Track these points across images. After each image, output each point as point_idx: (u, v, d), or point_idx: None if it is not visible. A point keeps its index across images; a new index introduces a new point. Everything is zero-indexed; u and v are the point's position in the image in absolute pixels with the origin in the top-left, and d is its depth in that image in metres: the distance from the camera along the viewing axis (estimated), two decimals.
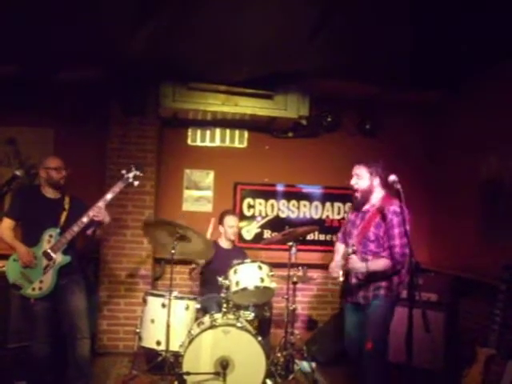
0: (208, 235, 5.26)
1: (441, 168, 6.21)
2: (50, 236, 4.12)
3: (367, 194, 4.07)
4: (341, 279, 4.06)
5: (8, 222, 4.16)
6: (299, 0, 3.93)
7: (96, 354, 5.54)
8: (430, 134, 6.44)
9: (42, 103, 5.85)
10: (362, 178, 4.05)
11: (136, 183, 4.34)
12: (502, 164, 4.96)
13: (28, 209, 4.15)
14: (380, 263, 3.90)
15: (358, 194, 4.10)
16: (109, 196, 4.17)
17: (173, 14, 4.19)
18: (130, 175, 4.29)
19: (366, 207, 4.12)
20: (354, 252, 3.87)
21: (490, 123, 5.20)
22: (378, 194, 4.07)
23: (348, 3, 3.92)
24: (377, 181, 4.04)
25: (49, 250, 4.07)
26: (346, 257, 3.97)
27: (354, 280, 4.04)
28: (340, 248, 4.33)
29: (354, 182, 4.10)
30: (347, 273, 4.03)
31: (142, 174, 4.37)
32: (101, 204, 4.11)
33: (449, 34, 4.33)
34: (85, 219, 4.07)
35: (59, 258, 4.10)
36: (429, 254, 6.18)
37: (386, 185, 3.92)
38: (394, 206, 3.85)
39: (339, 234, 4.51)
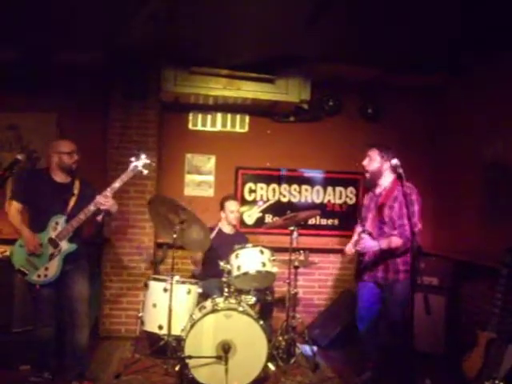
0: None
1: (443, 152, 6.19)
2: (56, 223, 4.07)
3: (376, 175, 4.32)
4: (352, 250, 4.37)
5: (15, 206, 4.10)
6: None
7: (99, 337, 5.59)
8: (433, 118, 6.41)
9: (43, 88, 5.79)
10: (374, 160, 4.30)
11: (145, 172, 4.29)
12: (505, 147, 4.95)
13: (35, 193, 4.10)
14: (392, 241, 4.06)
15: (367, 175, 4.37)
16: (117, 184, 4.12)
17: None
18: (140, 163, 4.24)
19: (378, 191, 4.36)
20: (367, 233, 4.15)
21: (492, 106, 5.18)
22: (388, 178, 4.30)
23: None
24: (387, 165, 4.25)
25: (55, 238, 4.05)
26: (358, 236, 4.25)
27: (372, 258, 4.26)
28: (358, 230, 4.54)
29: (365, 162, 4.38)
30: (363, 252, 4.27)
31: (151, 162, 4.35)
32: (108, 192, 4.06)
33: (451, 17, 4.29)
34: (92, 207, 4.02)
35: (65, 245, 4.08)
36: (431, 237, 6.17)
37: (395, 170, 4.02)
38: (405, 188, 3.92)
39: (359, 220, 4.70)
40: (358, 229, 4.43)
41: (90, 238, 5.06)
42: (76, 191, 4.21)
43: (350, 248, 4.45)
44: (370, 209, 4.38)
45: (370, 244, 4.11)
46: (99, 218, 4.26)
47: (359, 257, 4.35)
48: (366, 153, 4.39)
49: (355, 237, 4.50)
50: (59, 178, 4.20)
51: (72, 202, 4.16)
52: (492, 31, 4.53)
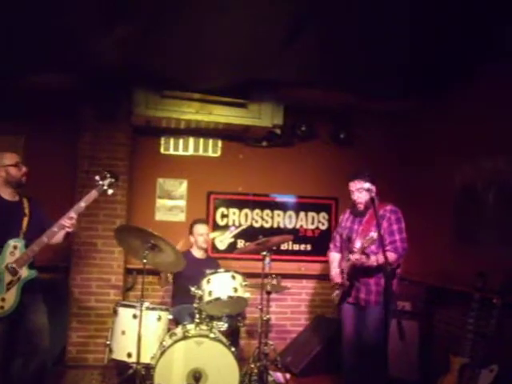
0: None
1: (415, 176, 6.22)
2: (15, 247, 3.73)
3: (368, 203, 4.29)
4: (346, 284, 4.31)
5: None
6: (274, 9, 3.91)
7: (65, 366, 5.43)
8: (404, 143, 6.46)
9: (11, 111, 5.68)
10: (362, 192, 4.31)
11: (110, 191, 4.11)
12: (475, 172, 4.99)
13: None
14: (387, 256, 3.95)
15: (361, 206, 4.39)
16: (82, 204, 3.92)
17: (146, 21, 4.14)
18: (105, 182, 4.07)
19: (366, 215, 4.40)
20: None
21: (461, 132, 5.25)
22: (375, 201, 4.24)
23: (323, 14, 3.92)
24: (374, 190, 4.20)
25: (14, 264, 3.70)
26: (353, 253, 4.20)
27: (355, 280, 4.27)
28: (335, 257, 4.59)
29: (356, 197, 4.38)
30: (349, 276, 4.27)
31: (116, 182, 4.19)
32: (73, 214, 3.84)
33: (422, 44, 4.36)
34: (55, 229, 3.78)
35: (25, 272, 3.75)
36: (403, 262, 6.16)
37: (379, 192, 4.24)
38: (391, 206, 4.28)
39: (331, 245, 4.77)
40: (337, 257, 4.49)
41: (53, 262, 4.89)
42: (26, 210, 3.92)
43: (338, 277, 4.40)
44: (354, 230, 4.38)
45: (370, 259, 4.12)
46: (54, 240, 3.95)
47: (347, 280, 4.30)
48: (350, 187, 4.39)
49: (335, 264, 4.50)
50: (8, 195, 3.89)
51: (25, 223, 3.86)
52: (461, 58, 4.62)
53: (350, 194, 4.45)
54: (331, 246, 4.76)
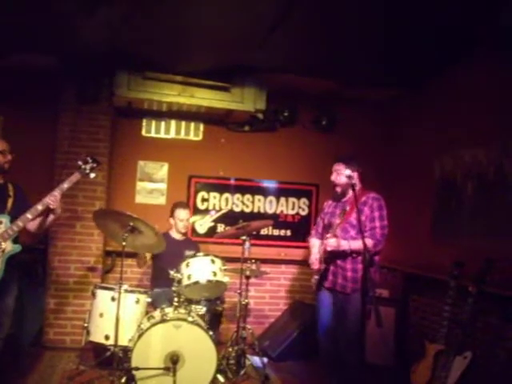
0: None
1: (395, 164, 6.27)
2: (0, 222, 3.86)
3: (347, 187, 4.31)
4: (322, 268, 4.29)
5: None
6: None
7: (42, 347, 5.40)
8: (385, 131, 6.48)
9: None
10: (341, 174, 4.28)
11: (92, 175, 4.20)
12: (454, 162, 5.04)
13: None
14: (365, 242, 3.97)
15: (338, 189, 4.40)
16: (65, 185, 4.00)
17: (130, 2, 4.09)
18: (87, 166, 4.15)
19: (344, 198, 4.41)
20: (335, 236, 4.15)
21: (441, 121, 5.30)
22: (356, 187, 4.23)
23: (307, 0, 3.90)
24: (355, 176, 4.26)
25: None
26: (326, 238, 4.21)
27: (331, 267, 4.27)
28: (316, 243, 4.55)
29: (333, 177, 4.39)
30: (326, 260, 4.25)
31: (98, 167, 4.27)
32: (57, 193, 3.94)
33: (404, 32, 4.37)
34: (39, 207, 3.86)
35: (9, 246, 3.85)
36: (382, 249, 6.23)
37: (362, 179, 4.33)
38: (374, 193, 4.28)
39: (313, 231, 4.76)
40: (317, 243, 4.47)
41: (32, 243, 4.86)
42: (11, 193, 4.02)
43: (315, 263, 4.38)
44: (336, 215, 4.35)
45: (341, 243, 4.11)
46: (32, 226, 4.06)
47: (325, 265, 4.30)
48: (332, 167, 4.39)
49: (315, 250, 4.47)
50: None
51: (10, 204, 3.97)
52: (441, 46, 4.63)
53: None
54: (313, 231, 4.76)
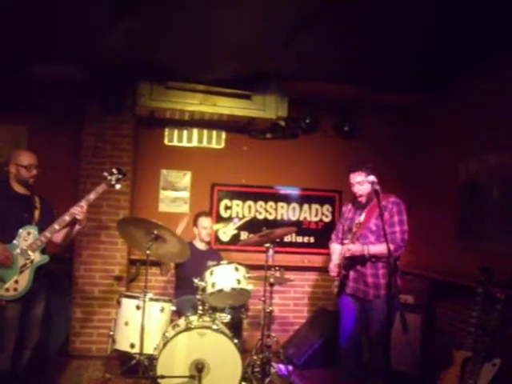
0: (178, 230, 5.16)
1: (419, 169, 6.22)
2: (28, 233, 3.92)
3: (370, 194, 4.28)
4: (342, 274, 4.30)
5: None
6: (281, 0, 3.89)
7: (69, 356, 5.45)
8: (408, 136, 6.44)
9: (16, 101, 5.71)
10: (364, 184, 4.27)
11: (118, 186, 4.32)
12: (479, 165, 4.98)
13: None
14: (380, 246, 4.03)
15: (363, 199, 4.38)
16: (92, 196, 4.10)
17: (151, 12, 4.12)
18: (113, 178, 4.26)
19: (368, 205, 4.37)
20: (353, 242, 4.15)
21: (466, 125, 5.23)
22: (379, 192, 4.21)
23: (330, 7, 3.89)
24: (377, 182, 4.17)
25: (26, 248, 3.88)
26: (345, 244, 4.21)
27: (354, 272, 4.25)
28: (336, 248, 4.54)
29: (356, 189, 4.38)
30: (345, 267, 4.25)
31: (124, 178, 4.37)
32: (83, 203, 4.03)
33: (428, 36, 4.33)
34: (67, 217, 3.96)
35: (37, 257, 3.94)
36: (406, 255, 6.16)
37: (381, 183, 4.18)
38: (393, 197, 4.25)
39: (333, 236, 4.75)
40: (338, 248, 4.44)
41: (58, 253, 4.93)
42: (38, 205, 4.10)
43: (334, 270, 4.40)
44: (354, 220, 4.35)
45: (359, 248, 4.09)
46: (57, 238, 4.16)
47: (344, 271, 4.29)
48: (350, 180, 4.36)
49: (335, 256, 4.46)
50: (19, 189, 4.06)
51: (37, 215, 4.04)
52: (466, 50, 4.59)
53: (350, 186, 4.44)
54: (333, 236, 4.76)
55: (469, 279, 4.50)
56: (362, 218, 4.24)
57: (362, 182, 4.28)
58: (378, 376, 4.03)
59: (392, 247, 4.01)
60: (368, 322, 4.18)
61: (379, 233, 4.09)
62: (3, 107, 5.67)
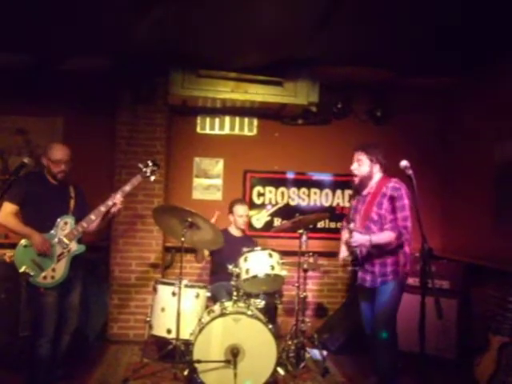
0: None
1: (454, 153, 6.14)
2: (65, 223, 4.03)
3: (366, 179, 4.17)
4: (348, 258, 4.18)
5: (10, 208, 3.95)
6: None
7: (107, 341, 5.59)
8: (443, 119, 6.36)
9: (50, 92, 5.86)
10: (363, 165, 4.13)
11: (153, 178, 4.44)
12: None
13: (35, 195, 4.00)
14: (383, 235, 3.96)
15: (356, 179, 4.19)
16: (127, 188, 4.21)
17: (182, 0, 4.14)
18: (148, 170, 4.37)
19: (365, 191, 4.21)
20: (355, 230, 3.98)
21: (503, 107, 5.13)
22: (376, 178, 4.16)
23: None
24: (377, 167, 4.14)
25: (64, 238, 3.99)
26: (348, 232, 4.04)
27: (362, 262, 4.14)
28: (347, 236, 4.35)
29: (354, 167, 4.19)
30: (355, 256, 4.13)
31: (158, 170, 4.49)
32: (119, 195, 4.14)
33: (463, 18, 4.24)
34: (103, 208, 4.07)
35: (74, 246, 4.05)
36: (441, 240, 6.12)
37: (385, 170, 4.13)
38: (393, 183, 4.02)
39: (344, 223, 4.60)
40: (350, 226, 4.18)
41: (95, 242, 5.05)
42: (72, 195, 4.20)
43: (341, 257, 4.36)
44: (358, 210, 4.22)
45: (361, 238, 3.93)
46: (92, 226, 4.20)
47: (351, 261, 4.17)
48: (353, 156, 4.20)
49: (344, 247, 4.36)
50: (53, 180, 4.13)
51: (72, 204, 4.15)
52: (499, 31, 4.48)
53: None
54: (344, 223, 4.58)
55: (505, 263, 4.45)
56: (363, 208, 4.14)
57: (361, 162, 4.12)
58: (384, 353, 4.01)
59: (393, 235, 3.93)
60: (376, 307, 4.08)
61: (381, 222, 4.01)
62: (40, 99, 5.81)
